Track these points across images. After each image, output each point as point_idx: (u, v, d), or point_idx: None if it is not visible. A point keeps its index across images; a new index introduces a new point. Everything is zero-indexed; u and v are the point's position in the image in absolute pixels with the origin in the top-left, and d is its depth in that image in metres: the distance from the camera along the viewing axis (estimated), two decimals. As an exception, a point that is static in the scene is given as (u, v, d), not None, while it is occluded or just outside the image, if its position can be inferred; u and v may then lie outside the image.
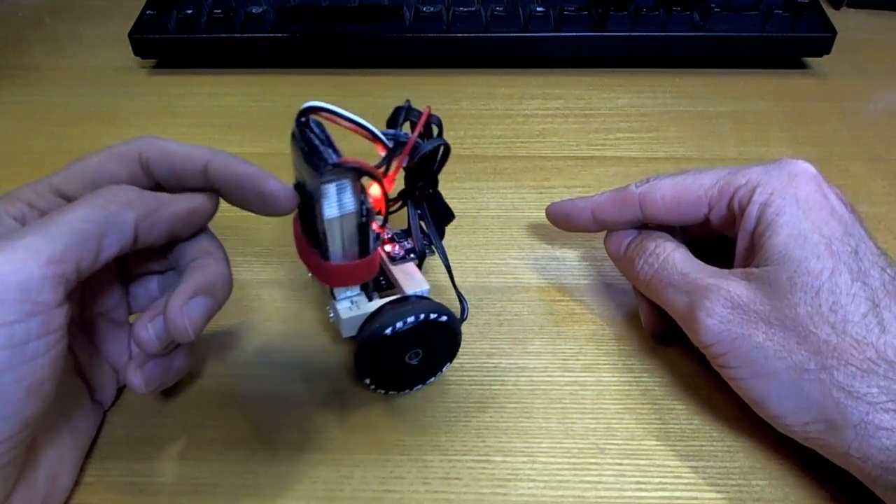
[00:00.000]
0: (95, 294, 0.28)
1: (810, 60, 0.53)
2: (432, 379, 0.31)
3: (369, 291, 0.29)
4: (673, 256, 0.30)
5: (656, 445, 0.29)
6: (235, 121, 0.47)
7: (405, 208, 0.32)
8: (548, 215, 0.36)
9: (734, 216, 0.29)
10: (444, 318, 0.28)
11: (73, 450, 0.27)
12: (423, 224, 0.32)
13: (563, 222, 0.35)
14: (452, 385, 0.31)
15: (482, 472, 0.28)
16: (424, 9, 0.50)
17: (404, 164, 0.28)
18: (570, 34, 0.50)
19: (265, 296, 0.35)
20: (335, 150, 0.24)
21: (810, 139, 0.46)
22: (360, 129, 0.26)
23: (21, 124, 0.47)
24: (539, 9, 0.50)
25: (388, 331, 0.27)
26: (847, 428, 0.24)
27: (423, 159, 0.28)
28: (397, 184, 0.29)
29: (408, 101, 0.29)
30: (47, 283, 0.22)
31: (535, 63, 0.52)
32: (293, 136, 0.25)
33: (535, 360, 0.32)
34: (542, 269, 0.37)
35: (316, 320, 0.34)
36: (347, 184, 0.25)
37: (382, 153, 0.27)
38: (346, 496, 0.28)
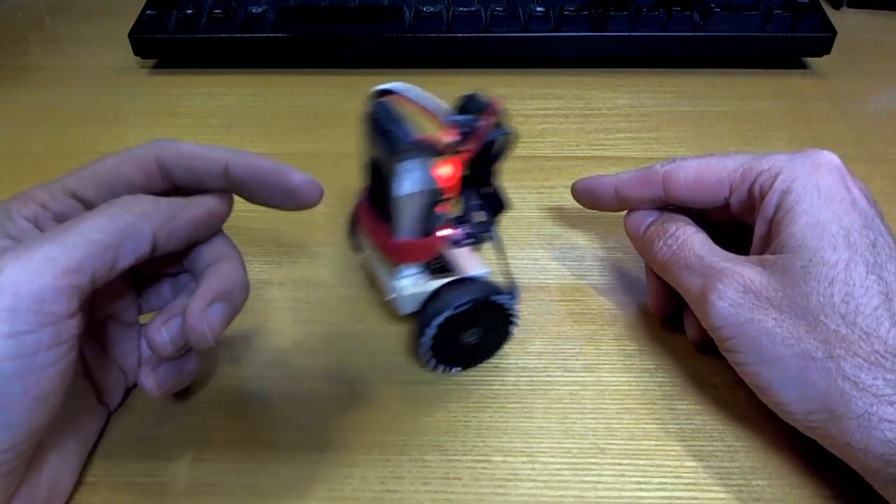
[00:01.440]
0: (106, 297, 0.28)
1: (810, 60, 0.52)
2: (482, 361, 0.32)
3: (429, 272, 0.30)
4: (692, 240, 0.30)
5: (656, 445, 0.29)
6: (235, 121, 0.47)
7: (461, 195, 0.32)
8: (573, 192, 0.36)
9: (754, 202, 0.29)
10: (508, 299, 0.29)
11: (75, 453, 0.27)
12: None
13: (588, 199, 0.36)
14: (452, 385, 0.31)
15: (482, 472, 0.28)
16: (424, 9, 0.50)
17: (472, 150, 0.29)
18: (570, 34, 0.50)
19: (265, 296, 0.35)
20: (412, 129, 0.25)
21: (810, 139, 0.46)
22: (432, 114, 0.27)
23: (21, 124, 0.47)
24: (539, 9, 0.50)
25: (458, 306, 0.28)
26: (850, 418, 0.24)
27: (487, 147, 0.29)
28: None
29: (481, 90, 0.29)
30: (61, 293, 0.21)
31: (535, 63, 0.52)
32: (368, 114, 0.26)
33: (535, 360, 0.32)
34: (542, 270, 0.37)
35: (315, 320, 0.34)
36: (422, 162, 0.26)
37: (450, 139, 0.28)
38: (346, 496, 0.28)
